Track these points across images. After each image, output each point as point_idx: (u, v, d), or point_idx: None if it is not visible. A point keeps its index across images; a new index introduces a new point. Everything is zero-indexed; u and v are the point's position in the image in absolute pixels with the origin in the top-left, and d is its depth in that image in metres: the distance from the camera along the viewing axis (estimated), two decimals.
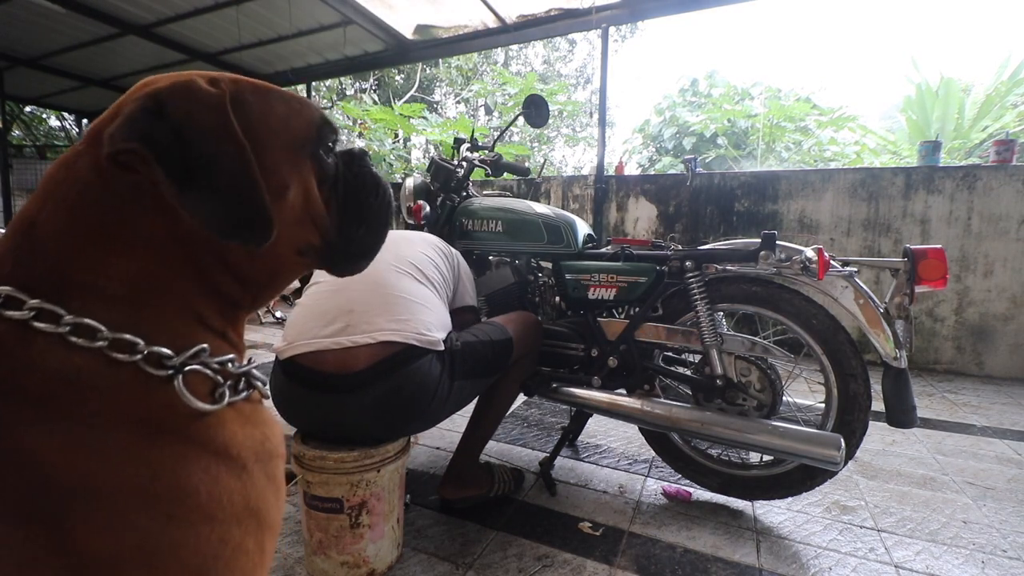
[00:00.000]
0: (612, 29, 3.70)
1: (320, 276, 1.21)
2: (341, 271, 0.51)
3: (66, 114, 8.28)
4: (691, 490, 1.47)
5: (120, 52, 4.68)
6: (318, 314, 1.08)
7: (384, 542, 1.09)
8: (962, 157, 5.50)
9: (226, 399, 0.40)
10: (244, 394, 0.42)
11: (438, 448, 1.73)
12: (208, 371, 0.39)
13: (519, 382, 1.42)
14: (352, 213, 0.49)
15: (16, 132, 8.57)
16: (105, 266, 0.36)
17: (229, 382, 0.41)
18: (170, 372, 0.37)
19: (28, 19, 4.08)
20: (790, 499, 1.41)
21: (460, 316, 1.36)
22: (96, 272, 0.36)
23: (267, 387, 0.47)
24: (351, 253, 0.51)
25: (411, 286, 1.17)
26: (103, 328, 0.35)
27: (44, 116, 9.36)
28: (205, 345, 0.40)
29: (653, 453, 1.53)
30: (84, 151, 0.37)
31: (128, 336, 0.35)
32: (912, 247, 1.17)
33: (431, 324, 1.12)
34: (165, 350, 0.37)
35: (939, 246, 1.17)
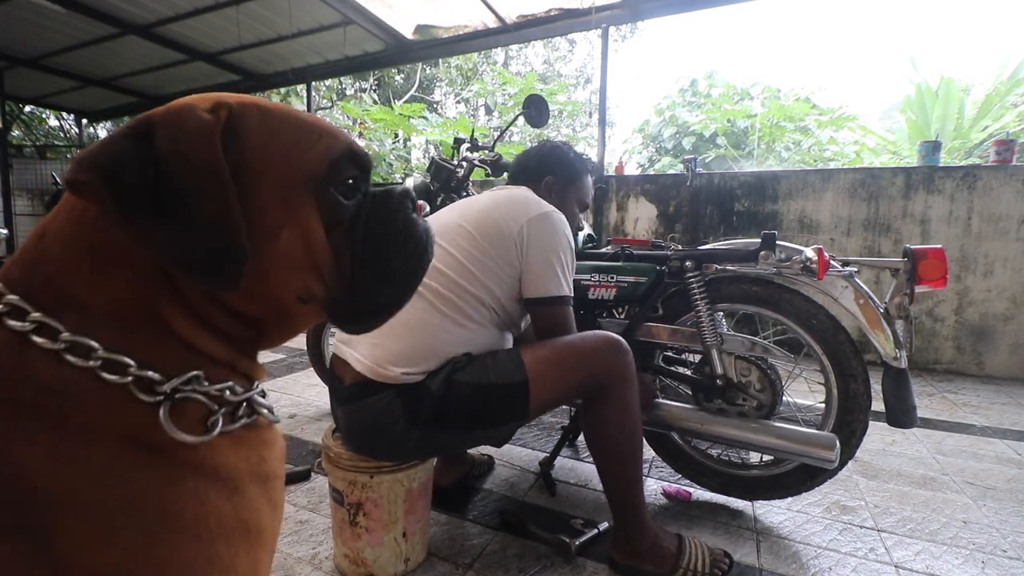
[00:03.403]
0: (612, 29, 3.70)
1: None
2: (346, 328, 0.46)
3: (66, 114, 8.28)
4: (691, 490, 1.47)
5: (120, 52, 4.67)
6: None
7: (384, 551, 1.07)
8: (962, 157, 5.50)
9: (218, 428, 0.38)
10: (243, 421, 0.41)
11: None
12: (202, 398, 0.38)
13: (623, 423, 1.06)
14: (370, 266, 0.43)
15: (16, 132, 8.57)
16: (98, 284, 0.36)
17: (224, 409, 0.40)
18: (159, 398, 0.36)
19: (28, 19, 4.08)
20: (790, 499, 1.41)
21: (532, 311, 1.11)
22: (90, 289, 0.35)
23: (274, 412, 0.46)
24: (360, 311, 0.45)
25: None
26: (98, 347, 0.34)
27: (44, 116, 9.36)
28: (199, 372, 0.38)
29: (653, 453, 1.53)
30: None
31: (121, 357, 0.35)
32: (912, 247, 1.17)
33: (398, 355, 0.98)
34: (155, 375, 0.36)
35: (939, 246, 1.17)
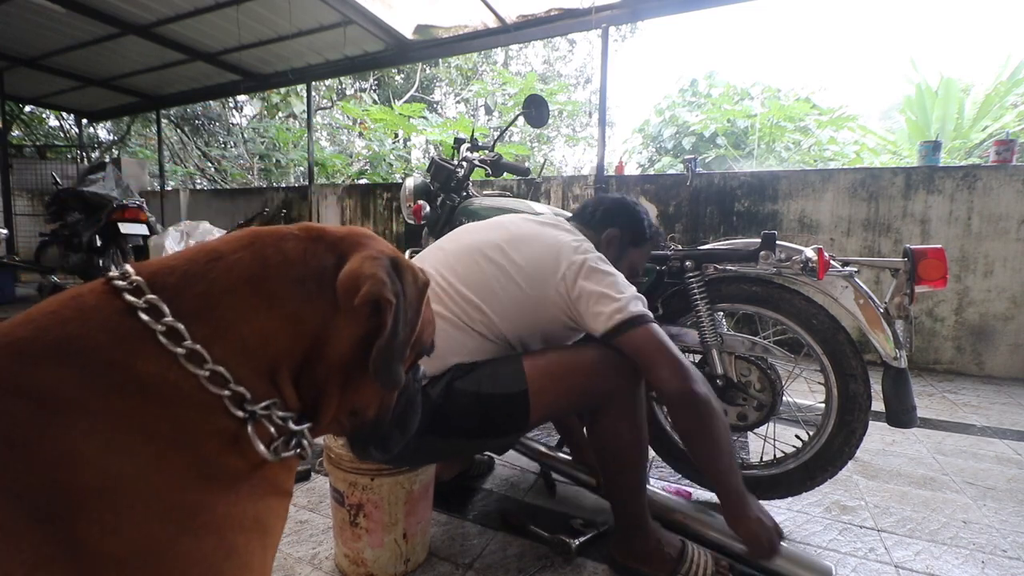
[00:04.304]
0: (612, 29, 3.70)
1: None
2: (358, 451, 0.63)
3: (66, 114, 8.28)
4: (691, 490, 1.47)
5: (120, 52, 4.68)
6: None
7: (384, 552, 1.07)
8: (962, 157, 5.50)
9: (281, 453, 0.44)
10: (294, 452, 0.46)
11: None
12: (271, 425, 0.43)
13: (631, 427, 1.03)
14: (401, 418, 0.59)
15: (16, 132, 8.58)
16: (251, 316, 0.42)
17: (283, 438, 0.45)
18: (246, 415, 0.41)
19: (28, 19, 4.08)
20: (790, 499, 1.41)
21: (614, 344, 1.00)
22: (241, 316, 0.41)
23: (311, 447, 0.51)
24: (379, 445, 0.60)
25: None
26: (209, 360, 0.39)
27: (44, 116, 9.36)
28: (276, 400, 0.44)
29: (653, 453, 1.53)
30: (300, 237, 0.46)
31: (223, 371, 0.39)
32: (912, 247, 1.17)
33: None
34: (247, 393, 0.41)
35: (939, 246, 1.17)
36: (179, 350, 0.38)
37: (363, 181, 7.41)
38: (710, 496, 1.44)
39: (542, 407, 0.99)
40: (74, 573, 0.31)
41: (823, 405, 1.30)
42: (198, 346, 0.38)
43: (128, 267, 0.41)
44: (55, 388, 0.34)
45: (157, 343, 0.37)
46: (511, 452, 1.69)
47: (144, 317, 0.37)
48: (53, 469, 0.32)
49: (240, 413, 0.40)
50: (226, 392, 0.39)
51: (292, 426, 0.45)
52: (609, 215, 1.22)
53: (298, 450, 0.46)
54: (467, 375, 0.99)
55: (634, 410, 1.04)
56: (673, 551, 1.08)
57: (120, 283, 0.39)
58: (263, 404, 0.42)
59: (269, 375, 0.43)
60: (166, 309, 0.38)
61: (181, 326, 0.38)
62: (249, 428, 0.41)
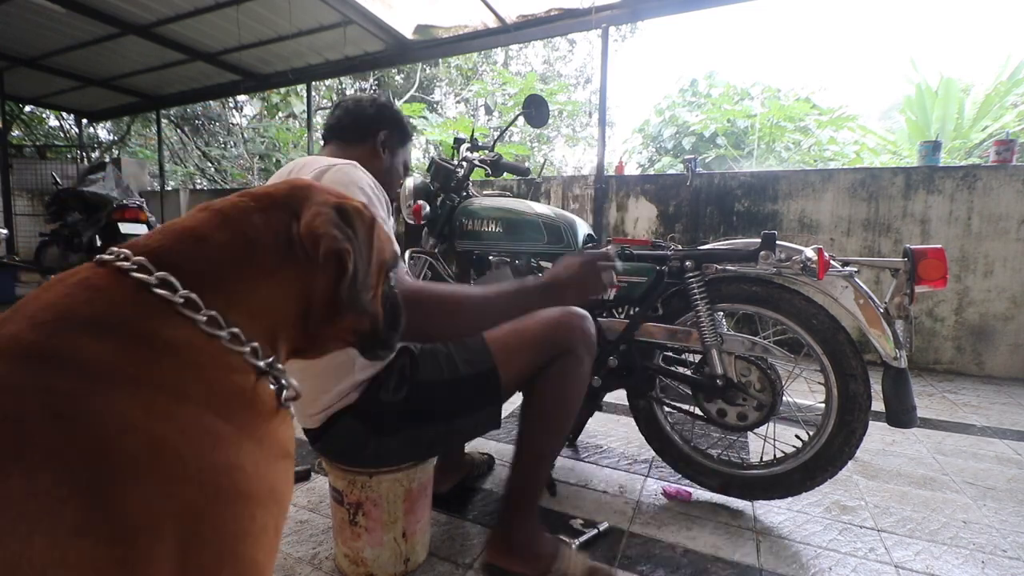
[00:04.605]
0: (612, 29, 3.70)
1: None
2: (369, 356, 0.65)
3: (66, 114, 8.28)
4: (691, 490, 1.47)
5: (120, 52, 4.68)
6: None
7: (383, 551, 1.07)
8: (962, 157, 5.50)
9: (290, 404, 0.49)
10: (290, 402, 0.51)
11: None
12: (274, 379, 0.48)
13: (573, 387, 1.03)
14: (390, 318, 0.65)
15: (16, 132, 8.58)
16: (252, 288, 0.46)
17: (285, 391, 0.50)
18: (264, 366, 0.46)
19: (28, 19, 4.08)
20: (790, 499, 1.41)
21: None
22: (245, 289, 0.46)
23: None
24: (382, 347, 0.65)
25: None
26: (226, 326, 0.43)
27: (44, 116, 9.36)
28: (275, 357, 0.48)
29: (653, 453, 1.53)
30: (259, 208, 0.49)
31: (240, 332, 0.44)
32: (912, 247, 1.17)
33: (314, 392, 0.94)
34: (259, 347, 0.45)
35: (939, 246, 1.17)
36: (200, 317, 0.41)
37: None
38: (710, 496, 1.44)
39: (511, 375, 1.00)
40: (113, 540, 0.32)
41: (823, 405, 1.30)
42: (214, 312, 0.42)
43: (119, 249, 0.43)
44: (98, 360, 0.36)
45: (178, 313, 0.40)
46: (511, 451, 1.69)
47: (161, 291, 0.40)
48: (98, 439, 0.33)
49: (261, 364, 0.45)
50: (246, 349, 0.44)
51: (284, 379, 0.49)
52: (379, 119, 1.16)
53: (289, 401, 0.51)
54: (419, 366, 0.98)
55: (582, 367, 1.03)
56: (550, 550, 1.05)
57: (124, 263, 0.41)
58: (269, 360, 0.47)
59: (271, 339, 0.49)
60: (178, 283, 0.41)
61: (195, 296, 0.41)
62: (269, 379, 0.46)
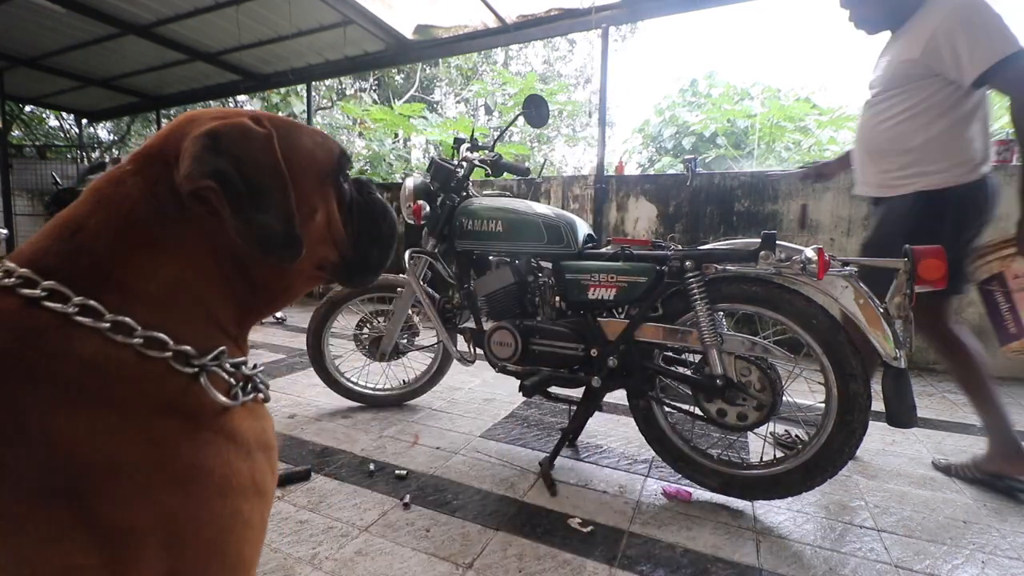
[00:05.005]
0: (612, 29, 3.70)
1: None
2: (354, 284, 0.58)
3: (66, 114, 8.28)
4: (691, 490, 1.47)
5: (120, 52, 4.68)
6: None
7: None
8: None
9: (240, 398, 0.44)
10: (251, 396, 0.47)
11: (438, 448, 1.73)
12: (224, 373, 0.44)
13: None
14: (366, 233, 0.56)
15: (16, 132, 8.58)
16: (147, 270, 0.40)
17: (241, 383, 0.46)
18: (195, 370, 0.41)
19: (28, 19, 4.08)
20: (790, 499, 1.41)
21: None
22: (138, 275, 0.40)
23: (268, 390, 0.51)
24: (364, 268, 0.57)
25: None
26: (138, 327, 0.38)
27: (44, 116, 9.36)
28: (224, 348, 0.44)
29: (653, 453, 1.53)
30: (134, 171, 0.42)
31: (160, 335, 0.39)
32: (912, 247, 1.17)
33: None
34: (190, 349, 0.41)
35: (939, 246, 1.17)
36: (102, 325, 0.37)
37: None
38: (710, 496, 1.44)
39: None
40: (95, 546, 0.33)
41: (823, 405, 1.30)
42: (121, 317, 0.37)
43: (4, 263, 0.39)
44: (8, 396, 0.33)
45: (81, 325, 0.36)
46: (511, 452, 1.69)
47: (52, 305, 0.36)
48: (50, 455, 0.33)
49: (188, 370, 0.40)
50: (167, 353, 0.39)
51: (245, 371, 0.46)
52: None
53: (256, 393, 0.47)
54: None
55: None
56: None
57: (9, 281, 0.37)
58: (211, 356, 0.42)
59: (205, 318, 0.43)
60: (68, 291, 0.36)
61: (93, 302, 0.37)
62: (203, 380, 0.41)
